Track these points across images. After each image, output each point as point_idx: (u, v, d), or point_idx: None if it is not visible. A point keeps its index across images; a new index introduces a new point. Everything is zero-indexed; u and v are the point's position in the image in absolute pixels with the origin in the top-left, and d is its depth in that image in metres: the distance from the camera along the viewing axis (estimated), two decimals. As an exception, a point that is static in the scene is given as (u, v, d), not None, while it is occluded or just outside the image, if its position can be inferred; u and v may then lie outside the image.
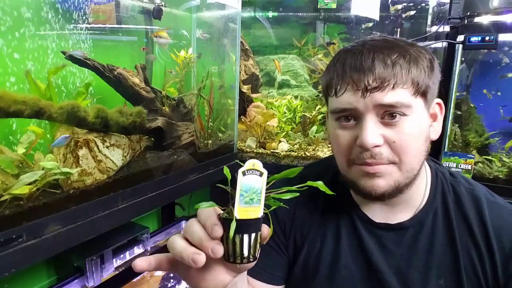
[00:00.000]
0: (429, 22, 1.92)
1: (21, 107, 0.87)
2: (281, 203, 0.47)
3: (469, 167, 1.48)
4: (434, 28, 1.76)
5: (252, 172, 0.44)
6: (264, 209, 0.45)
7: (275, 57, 2.21)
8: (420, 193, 0.70)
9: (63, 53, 1.03)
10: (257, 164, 0.44)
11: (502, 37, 1.44)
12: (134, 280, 1.28)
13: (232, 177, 0.46)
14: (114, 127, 1.08)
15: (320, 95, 2.03)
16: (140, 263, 0.48)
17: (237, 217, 0.43)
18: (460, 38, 1.47)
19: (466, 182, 0.72)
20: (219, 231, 0.44)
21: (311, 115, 1.95)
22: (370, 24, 2.02)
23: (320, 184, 0.48)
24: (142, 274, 1.31)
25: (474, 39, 1.43)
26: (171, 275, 1.37)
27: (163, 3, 1.44)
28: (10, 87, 1.00)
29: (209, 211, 0.46)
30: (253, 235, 0.45)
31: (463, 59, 1.56)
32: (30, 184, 0.86)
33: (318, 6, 2.00)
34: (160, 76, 1.55)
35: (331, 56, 1.87)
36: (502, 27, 1.41)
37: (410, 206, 0.69)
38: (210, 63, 1.80)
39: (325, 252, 0.73)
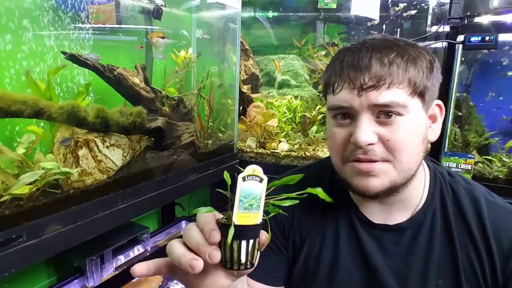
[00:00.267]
0: (429, 22, 1.92)
1: (21, 107, 0.87)
2: (280, 210, 0.47)
3: (469, 167, 1.48)
4: (434, 28, 1.76)
5: (252, 178, 0.44)
6: (263, 216, 0.44)
7: (275, 57, 2.21)
8: (418, 193, 0.70)
9: (63, 53, 1.04)
10: (257, 170, 0.44)
11: (502, 37, 1.44)
12: (134, 280, 1.28)
13: (232, 181, 0.46)
14: (114, 127, 1.08)
15: (320, 95, 2.04)
16: (139, 269, 0.48)
17: (236, 223, 0.43)
18: (460, 38, 1.47)
19: (464, 182, 0.72)
20: (216, 236, 0.44)
21: (311, 115, 1.95)
22: (376, 22, 2.01)
23: (319, 192, 0.48)
24: (142, 274, 1.31)
25: (474, 39, 1.43)
26: (171, 275, 1.37)
27: (163, 3, 1.44)
28: (11, 86, 1.00)
29: (208, 216, 0.46)
30: (251, 241, 0.44)
31: (463, 59, 1.56)
32: (30, 184, 0.86)
33: (318, 6, 2.00)
34: (160, 76, 1.55)
35: (331, 56, 1.87)
36: (502, 27, 1.41)
37: (408, 206, 0.69)
38: (210, 63, 1.80)
39: (324, 253, 0.73)
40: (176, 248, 0.46)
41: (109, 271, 1.28)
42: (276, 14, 2.25)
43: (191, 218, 1.69)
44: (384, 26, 2.05)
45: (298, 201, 0.47)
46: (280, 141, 1.82)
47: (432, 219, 0.68)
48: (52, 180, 0.92)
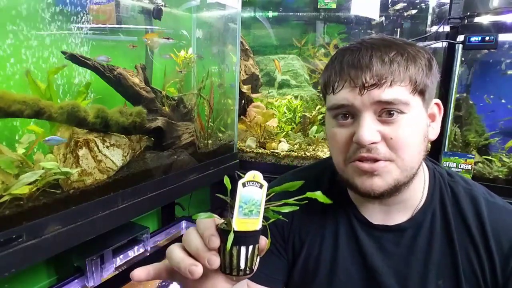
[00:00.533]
0: (429, 22, 1.92)
1: (21, 107, 0.87)
2: (280, 216, 0.47)
3: (469, 167, 1.48)
4: (434, 28, 1.76)
5: (252, 183, 0.44)
6: (262, 221, 0.44)
7: (275, 57, 2.21)
8: (418, 193, 0.70)
9: (64, 53, 1.04)
10: (257, 175, 0.44)
11: (502, 37, 1.44)
12: (134, 280, 1.27)
13: (232, 182, 0.46)
14: (114, 127, 1.08)
15: (321, 95, 2.04)
16: (138, 273, 0.48)
17: (235, 229, 0.43)
18: (460, 38, 1.47)
19: (464, 182, 0.72)
20: (216, 242, 0.44)
21: (311, 115, 1.95)
22: (376, 22, 2.01)
23: (319, 195, 0.48)
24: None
25: (474, 39, 1.43)
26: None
27: (163, 3, 1.44)
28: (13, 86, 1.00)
29: (207, 221, 0.46)
30: (250, 247, 0.44)
31: (463, 59, 1.56)
32: (30, 184, 0.86)
33: (318, 6, 2.00)
34: (160, 76, 1.55)
35: (331, 56, 1.87)
36: (502, 27, 1.41)
37: (408, 206, 0.69)
38: (210, 63, 1.80)
39: (324, 254, 0.73)
40: (176, 253, 0.46)
41: (109, 271, 1.29)
42: (276, 14, 2.25)
43: (191, 218, 1.69)
44: (384, 26, 2.05)
45: (298, 207, 0.47)
46: (280, 141, 1.82)
47: (431, 219, 0.68)
48: (52, 180, 0.92)
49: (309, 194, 0.47)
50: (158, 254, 1.41)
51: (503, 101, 1.69)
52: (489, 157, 1.59)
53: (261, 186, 0.44)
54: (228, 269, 0.44)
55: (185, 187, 1.35)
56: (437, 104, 0.68)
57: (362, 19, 2.08)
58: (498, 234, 0.64)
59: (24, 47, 1.01)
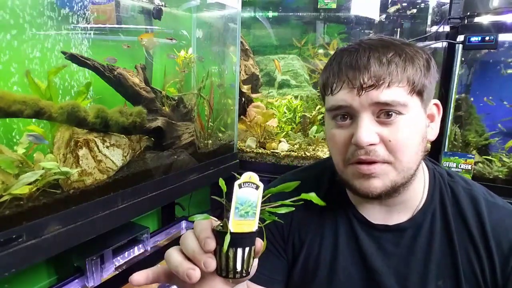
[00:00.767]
0: (429, 22, 1.92)
1: (21, 107, 0.87)
2: (276, 218, 0.47)
3: (469, 167, 1.48)
4: (434, 28, 1.76)
5: (248, 185, 0.44)
6: (259, 223, 0.44)
7: (275, 57, 2.21)
8: (418, 194, 0.70)
9: (64, 53, 1.04)
10: (253, 177, 0.44)
11: (502, 37, 1.44)
12: (134, 280, 1.27)
13: (229, 187, 0.46)
14: (114, 127, 1.08)
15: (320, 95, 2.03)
16: (137, 278, 0.48)
17: (232, 230, 0.43)
18: (460, 38, 1.47)
19: (464, 182, 0.72)
20: (211, 244, 0.43)
21: (311, 115, 1.95)
22: (381, 19, 2.00)
23: (313, 197, 0.47)
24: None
25: (474, 39, 1.43)
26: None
27: (163, 3, 1.44)
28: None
29: (203, 223, 0.46)
30: (247, 249, 0.44)
31: (463, 59, 1.56)
32: (30, 184, 0.86)
33: (318, 6, 2.00)
34: (160, 76, 1.55)
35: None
36: (502, 27, 1.41)
37: (408, 207, 0.69)
38: (210, 63, 1.80)
39: (323, 254, 0.73)
40: (174, 256, 0.46)
41: (109, 271, 1.29)
42: (276, 14, 2.25)
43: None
44: (384, 26, 2.05)
45: (294, 208, 0.46)
46: (280, 141, 1.82)
47: (431, 219, 0.68)
48: (52, 180, 0.92)
49: (304, 196, 0.47)
50: (158, 254, 1.41)
51: (505, 103, 1.69)
52: (489, 157, 1.59)
53: (257, 187, 0.44)
54: (225, 271, 0.44)
55: (185, 187, 1.35)
56: (436, 104, 0.68)
57: (362, 19, 2.08)
58: (498, 234, 0.64)
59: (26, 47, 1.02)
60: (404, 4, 1.98)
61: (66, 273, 1.22)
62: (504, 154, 1.59)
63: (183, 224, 1.70)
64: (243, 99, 1.90)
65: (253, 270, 0.48)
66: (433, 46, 1.69)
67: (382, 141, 0.60)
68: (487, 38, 1.41)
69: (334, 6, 1.97)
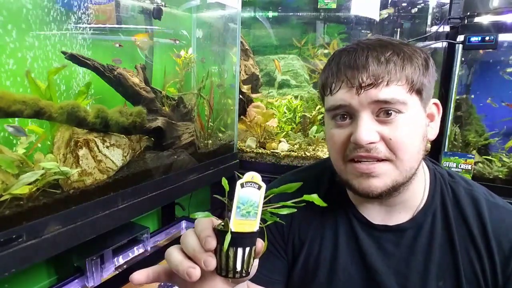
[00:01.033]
0: (429, 22, 1.92)
1: (21, 107, 0.87)
2: (278, 219, 0.46)
3: (469, 167, 1.48)
4: (434, 28, 1.76)
5: (251, 184, 0.43)
6: (260, 223, 0.44)
7: (275, 57, 2.21)
8: (418, 194, 0.70)
9: (64, 53, 1.04)
10: (256, 177, 0.44)
11: (502, 37, 1.44)
12: (134, 280, 1.27)
13: (233, 182, 0.46)
14: (114, 127, 1.08)
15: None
16: (138, 277, 0.48)
17: (232, 230, 0.43)
18: (460, 38, 1.47)
19: (465, 182, 0.72)
20: (212, 242, 0.43)
21: (311, 115, 1.95)
22: (381, 19, 2.00)
23: (315, 198, 0.47)
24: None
25: (474, 39, 1.43)
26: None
27: (163, 3, 1.44)
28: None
29: (205, 222, 0.46)
30: (247, 249, 0.44)
31: (463, 59, 1.56)
32: (30, 184, 0.86)
33: (318, 6, 2.00)
34: (160, 76, 1.55)
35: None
36: (502, 27, 1.41)
37: (409, 207, 0.69)
38: (210, 63, 1.80)
39: (323, 254, 0.73)
40: (174, 255, 0.46)
41: (109, 271, 1.29)
42: (276, 14, 2.25)
43: (191, 218, 1.69)
44: (384, 26, 2.05)
45: (295, 210, 0.46)
46: (280, 141, 1.82)
47: (432, 220, 0.68)
48: (52, 180, 0.92)
49: (306, 197, 0.47)
50: (158, 254, 1.41)
51: (504, 103, 1.69)
52: (489, 157, 1.59)
53: (259, 187, 0.44)
54: (224, 271, 0.44)
55: (185, 187, 1.35)
56: (435, 104, 0.68)
57: (362, 19, 2.08)
58: (499, 235, 0.64)
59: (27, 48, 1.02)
60: (397, 8, 1.98)
61: (66, 273, 1.22)
62: (504, 154, 1.59)
63: (183, 224, 1.70)
64: (243, 99, 1.90)
65: (253, 270, 0.48)
66: (433, 46, 1.69)
67: (382, 140, 0.60)
68: (487, 38, 1.41)
69: (334, 6, 1.97)
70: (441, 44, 1.64)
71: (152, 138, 1.31)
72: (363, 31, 2.10)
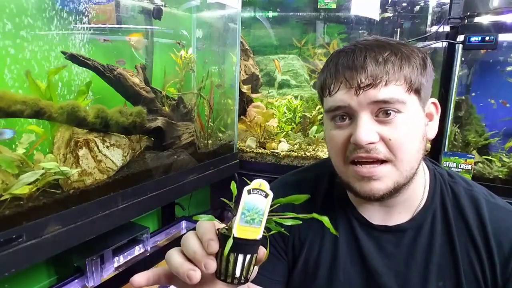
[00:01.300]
0: (429, 22, 1.92)
1: (21, 107, 0.87)
2: (282, 229, 0.46)
3: (469, 167, 1.48)
4: (434, 28, 1.76)
5: (258, 192, 0.43)
6: (264, 232, 0.44)
7: (275, 57, 2.21)
8: (418, 194, 0.70)
9: (64, 53, 1.04)
10: (264, 184, 0.43)
11: (502, 37, 1.44)
12: (134, 280, 1.27)
13: (229, 187, 0.45)
14: (114, 127, 1.08)
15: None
16: (138, 279, 0.48)
17: (235, 235, 0.42)
18: (460, 38, 1.47)
19: (464, 183, 0.72)
20: (214, 246, 0.43)
21: (311, 115, 1.95)
22: (381, 19, 2.00)
23: (325, 220, 0.47)
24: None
25: (474, 39, 1.43)
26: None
27: (163, 3, 1.44)
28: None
29: (208, 225, 0.46)
30: (248, 256, 0.44)
31: (463, 59, 1.56)
32: (30, 184, 0.86)
33: (318, 6, 2.00)
34: (160, 76, 1.55)
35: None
36: (502, 27, 1.41)
37: (408, 207, 0.69)
38: (210, 63, 1.80)
39: (323, 255, 0.73)
40: (174, 257, 0.46)
41: (109, 271, 1.29)
42: (276, 14, 2.25)
43: (192, 218, 1.69)
44: (384, 26, 2.05)
45: (300, 222, 0.46)
46: (280, 141, 1.82)
47: (432, 220, 0.68)
48: (52, 180, 0.92)
49: (315, 216, 0.46)
50: (158, 254, 1.41)
51: (501, 101, 1.69)
52: (489, 157, 1.59)
53: (266, 195, 0.43)
54: (223, 275, 0.44)
55: (185, 187, 1.35)
56: (434, 103, 0.68)
57: (362, 19, 2.08)
58: (499, 235, 0.64)
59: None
60: (404, 5, 1.98)
61: (66, 273, 1.22)
62: (504, 154, 1.59)
63: (183, 224, 1.70)
64: (243, 99, 1.90)
65: (253, 275, 0.48)
66: (433, 46, 1.69)
67: (382, 140, 0.60)
68: (487, 38, 1.41)
69: (334, 6, 1.97)
70: (441, 44, 1.64)
71: (152, 138, 1.31)
72: (363, 31, 2.10)
